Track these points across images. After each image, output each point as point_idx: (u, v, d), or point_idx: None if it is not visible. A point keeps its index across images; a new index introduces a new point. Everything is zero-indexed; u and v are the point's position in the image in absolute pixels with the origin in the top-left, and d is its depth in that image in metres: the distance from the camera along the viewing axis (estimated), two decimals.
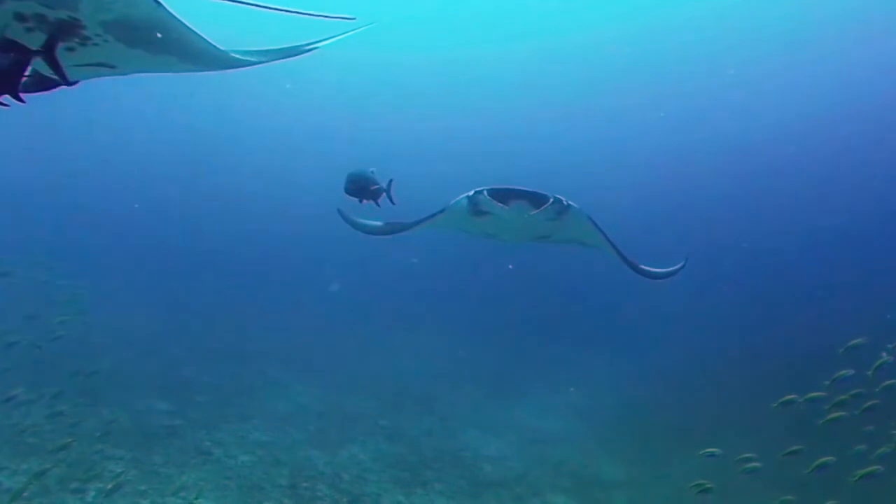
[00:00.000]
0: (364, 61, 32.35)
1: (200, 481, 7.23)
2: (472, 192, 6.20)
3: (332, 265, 23.52)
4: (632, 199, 32.58)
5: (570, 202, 6.06)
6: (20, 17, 2.48)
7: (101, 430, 7.94)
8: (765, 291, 24.18)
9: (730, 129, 34.32)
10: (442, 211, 6.72)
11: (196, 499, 6.75)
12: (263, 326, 15.78)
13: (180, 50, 2.93)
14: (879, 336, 7.09)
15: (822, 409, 6.77)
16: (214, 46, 2.92)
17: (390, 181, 6.29)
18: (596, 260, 8.34)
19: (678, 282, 8.15)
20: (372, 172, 6.29)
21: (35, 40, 2.57)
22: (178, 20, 2.66)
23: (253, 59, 3.26)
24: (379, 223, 7.43)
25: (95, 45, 2.74)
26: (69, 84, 2.80)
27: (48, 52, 2.52)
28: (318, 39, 3.49)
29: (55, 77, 2.71)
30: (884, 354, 6.84)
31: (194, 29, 2.75)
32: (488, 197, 5.94)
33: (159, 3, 2.53)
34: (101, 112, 29.02)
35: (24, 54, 2.48)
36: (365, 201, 6.29)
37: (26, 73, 2.53)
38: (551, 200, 5.85)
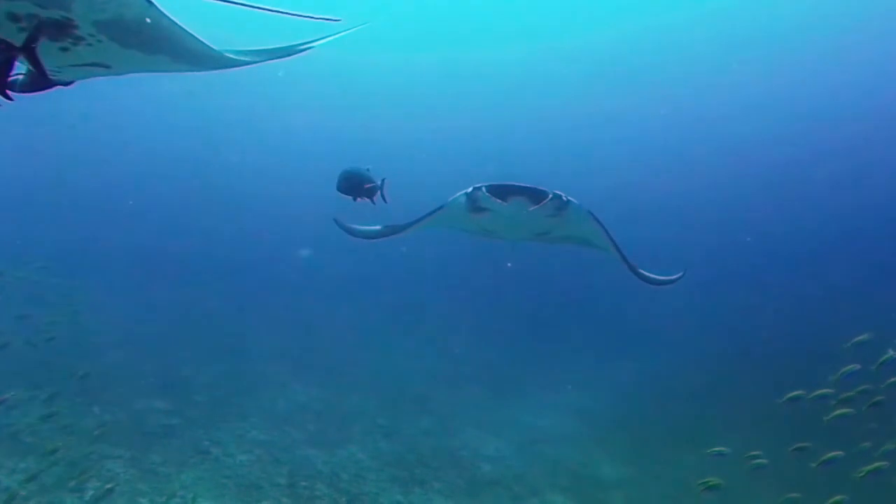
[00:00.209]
0: (364, 61, 32.42)
1: (198, 480, 7.24)
2: (470, 189, 6.16)
3: (332, 265, 23.53)
4: (632, 199, 32.55)
5: (569, 198, 6.02)
6: (13, 18, 2.48)
7: (98, 429, 7.93)
8: (767, 290, 24.12)
9: (729, 130, 34.32)
10: (440, 208, 6.68)
11: (194, 498, 6.76)
12: (262, 326, 15.75)
13: (174, 50, 2.93)
14: (885, 333, 7.07)
15: (828, 406, 6.74)
16: (208, 46, 2.92)
17: (383, 180, 6.15)
18: (594, 259, 8.32)
19: (679, 280, 8.11)
20: (367, 170, 6.14)
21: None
22: (171, 20, 2.66)
23: (247, 58, 3.26)
24: (376, 227, 7.33)
25: (89, 45, 2.75)
26: (49, 81, 2.80)
27: (28, 49, 2.52)
28: (312, 39, 3.49)
29: (53, 77, 2.72)
30: (890, 350, 6.80)
31: (188, 29, 2.76)
32: (487, 193, 5.90)
33: (151, 3, 2.53)
34: (98, 111, 29.00)
35: (8, 52, 2.48)
36: (359, 199, 6.11)
37: (12, 71, 2.53)
38: (550, 196, 5.82)
